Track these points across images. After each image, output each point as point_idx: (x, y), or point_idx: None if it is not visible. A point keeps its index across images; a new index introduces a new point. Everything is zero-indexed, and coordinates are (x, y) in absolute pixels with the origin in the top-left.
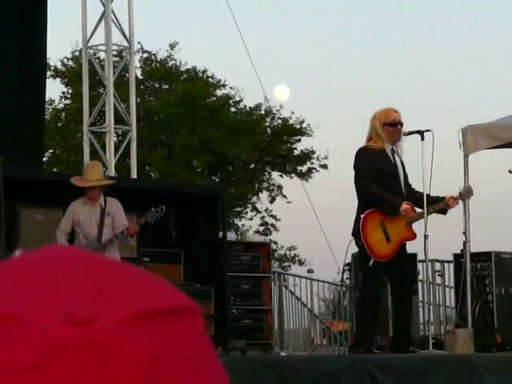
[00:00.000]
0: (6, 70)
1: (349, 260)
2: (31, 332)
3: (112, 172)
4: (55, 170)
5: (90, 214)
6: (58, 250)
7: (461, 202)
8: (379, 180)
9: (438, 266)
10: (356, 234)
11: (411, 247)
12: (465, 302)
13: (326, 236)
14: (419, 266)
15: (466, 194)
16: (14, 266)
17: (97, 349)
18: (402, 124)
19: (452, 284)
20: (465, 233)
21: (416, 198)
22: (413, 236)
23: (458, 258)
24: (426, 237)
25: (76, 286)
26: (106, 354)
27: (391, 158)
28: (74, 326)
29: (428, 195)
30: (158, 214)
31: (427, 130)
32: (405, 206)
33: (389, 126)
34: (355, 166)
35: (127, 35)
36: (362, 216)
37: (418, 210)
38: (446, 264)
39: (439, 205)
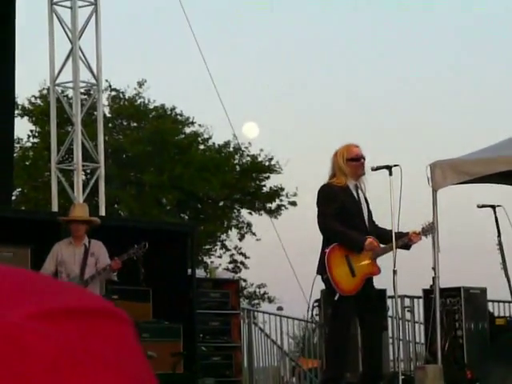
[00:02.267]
0: None
1: (318, 296)
2: None
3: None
4: (23, 208)
5: (73, 254)
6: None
7: (428, 237)
8: (342, 217)
9: (407, 301)
10: (321, 268)
11: (380, 283)
12: (434, 337)
13: (295, 272)
14: (388, 301)
15: (428, 229)
16: None
17: (4, 341)
18: (364, 158)
19: (422, 320)
20: (434, 268)
21: (379, 234)
22: (377, 271)
23: (428, 294)
24: (394, 272)
25: None
26: (11, 345)
27: (355, 194)
28: None
29: (391, 231)
30: (140, 250)
31: (395, 165)
32: (369, 240)
33: (352, 161)
34: (318, 204)
35: (95, 73)
36: (327, 250)
37: (382, 245)
38: (415, 299)
39: (402, 240)
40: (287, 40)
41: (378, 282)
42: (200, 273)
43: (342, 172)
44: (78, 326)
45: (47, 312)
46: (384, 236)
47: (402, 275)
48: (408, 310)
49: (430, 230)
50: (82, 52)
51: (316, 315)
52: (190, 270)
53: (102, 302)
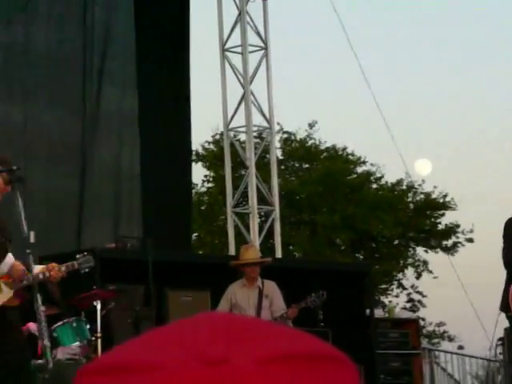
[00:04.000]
0: (154, 156)
1: (501, 334)
2: (167, 375)
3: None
4: (200, 252)
5: (247, 297)
6: (203, 313)
7: None
8: None
9: None
10: (505, 305)
11: None
12: None
13: (475, 311)
14: None
15: None
16: (166, 327)
17: None
18: None
19: None
20: None
21: None
22: None
23: None
24: None
25: (212, 334)
26: None
27: None
28: (207, 365)
29: None
30: (318, 299)
31: None
32: None
33: None
34: (504, 237)
35: (267, 116)
36: (511, 288)
37: None
38: None
39: None
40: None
41: None
42: (378, 312)
43: None
44: (304, 370)
45: (275, 357)
46: None
47: None
48: None
49: None
50: (253, 96)
51: (500, 354)
52: (368, 310)
53: (328, 348)
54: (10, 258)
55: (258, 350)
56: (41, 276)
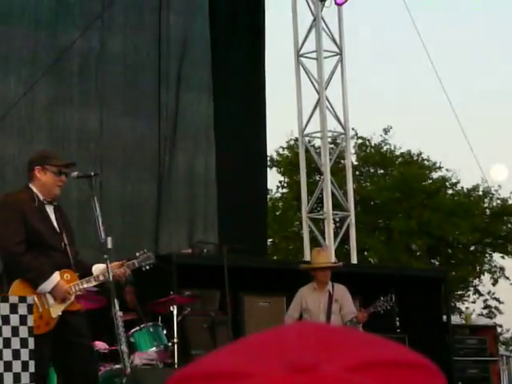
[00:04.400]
0: (230, 161)
1: None
2: (255, 383)
3: (332, 258)
4: (275, 258)
5: (318, 301)
6: (292, 323)
7: None
8: None
9: None
10: None
11: None
12: None
13: None
14: None
15: None
16: (254, 336)
17: None
18: None
19: None
20: None
21: None
22: None
23: None
24: None
25: (301, 342)
26: None
27: None
28: (297, 373)
29: None
30: (387, 303)
31: None
32: None
33: None
34: None
35: (342, 122)
36: None
37: None
38: None
39: None
40: None
41: None
42: (455, 319)
43: None
44: (393, 378)
45: (365, 364)
46: None
47: None
48: None
49: None
50: (328, 102)
51: None
52: (445, 317)
53: (417, 356)
54: (55, 276)
55: (347, 358)
56: (101, 278)
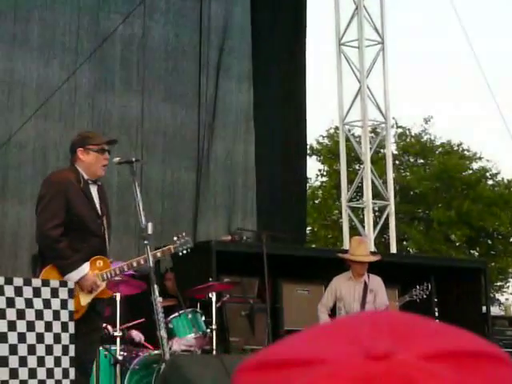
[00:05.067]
0: (269, 149)
1: None
2: (330, 370)
3: (371, 247)
4: (313, 246)
5: (352, 290)
6: (366, 311)
7: None
8: None
9: None
10: None
11: None
12: None
13: None
14: None
15: None
16: (326, 324)
17: (395, 381)
18: None
19: None
20: None
21: None
22: None
23: None
24: None
25: (376, 330)
26: (401, 381)
27: None
28: (371, 360)
29: None
30: (423, 292)
31: None
32: None
33: None
34: None
35: (383, 111)
36: None
37: None
38: None
39: None
40: None
41: None
42: (494, 310)
43: None
44: (467, 367)
45: (440, 353)
46: None
47: None
48: None
49: None
50: (369, 90)
51: None
52: (484, 308)
53: (491, 346)
54: (84, 267)
55: (422, 346)
56: (134, 264)
